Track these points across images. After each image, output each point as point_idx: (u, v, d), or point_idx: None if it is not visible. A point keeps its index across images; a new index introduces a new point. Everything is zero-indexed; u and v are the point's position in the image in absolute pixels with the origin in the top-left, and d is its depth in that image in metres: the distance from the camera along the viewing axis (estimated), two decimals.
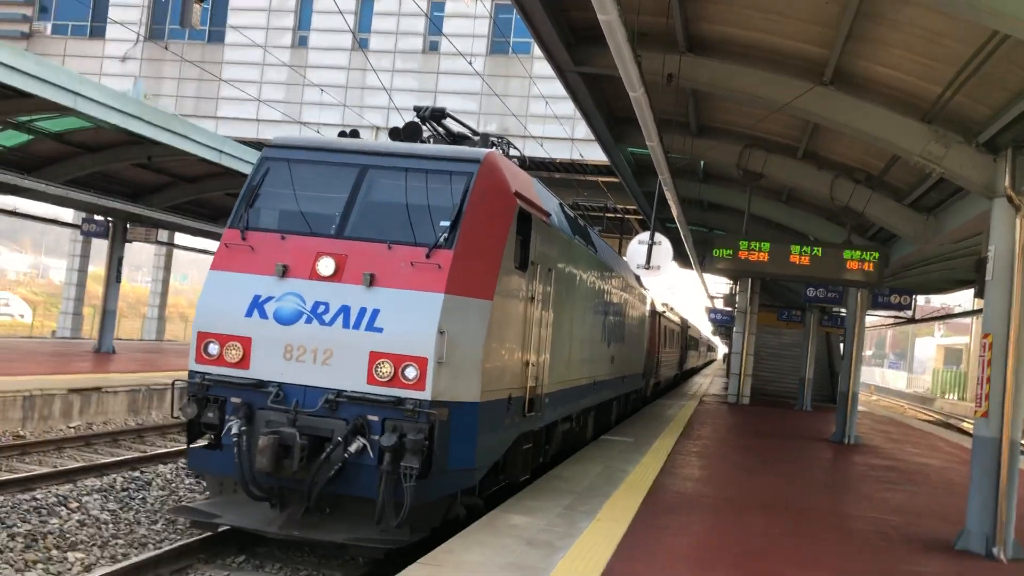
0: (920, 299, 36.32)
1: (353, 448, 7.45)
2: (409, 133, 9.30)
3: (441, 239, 7.91)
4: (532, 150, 30.77)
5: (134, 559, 7.81)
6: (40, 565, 7.80)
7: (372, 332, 7.63)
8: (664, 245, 13.72)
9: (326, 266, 7.89)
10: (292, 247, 8.11)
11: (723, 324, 41.93)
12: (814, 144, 12.73)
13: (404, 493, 7.27)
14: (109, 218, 24.07)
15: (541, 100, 31.30)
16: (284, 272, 7.97)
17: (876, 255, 12.96)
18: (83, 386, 15.79)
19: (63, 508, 9.70)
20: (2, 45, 13.45)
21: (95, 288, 47.13)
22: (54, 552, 8.19)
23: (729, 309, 38.44)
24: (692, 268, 25.40)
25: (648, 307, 21.97)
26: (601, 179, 31.69)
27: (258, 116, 35.66)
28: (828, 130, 11.56)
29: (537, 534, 7.89)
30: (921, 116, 9.50)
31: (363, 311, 7.69)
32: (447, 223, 8.01)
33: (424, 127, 9.66)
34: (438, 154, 8.61)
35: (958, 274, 22.33)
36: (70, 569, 7.85)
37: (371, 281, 7.77)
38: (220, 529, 8.27)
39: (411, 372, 7.52)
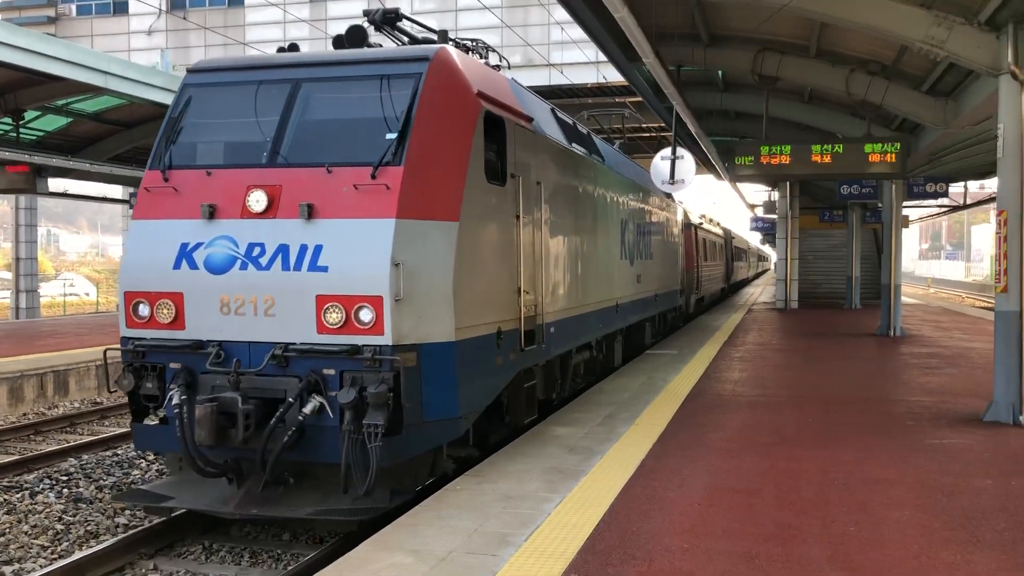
0: (973, 185, 35.68)
1: (308, 408, 6.57)
2: (353, 39, 8.03)
3: (388, 155, 6.81)
4: (558, 78, 30.72)
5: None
6: (127, 511, 8.57)
7: (316, 272, 6.66)
8: (687, 159, 13.88)
9: (258, 200, 6.88)
10: (220, 183, 7.13)
11: (768, 231, 41.80)
12: (825, 41, 12.73)
13: (369, 454, 6.37)
14: None
15: (563, 27, 31.10)
16: (212, 213, 7.00)
17: (897, 146, 13.01)
18: None
19: (143, 460, 10.51)
20: (28, 32, 14.01)
21: None
22: None
23: (773, 216, 38.33)
24: (724, 179, 25.39)
25: (680, 220, 21.36)
26: (629, 99, 31.54)
27: None
28: (836, 25, 11.59)
29: (578, 441, 8.41)
30: (920, 2, 9.53)
31: (304, 249, 6.72)
32: (394, 135, 6.91)
33: (383, 34, 8.62)
34: (380, 57, 7.49)
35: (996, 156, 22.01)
36: None
37: (309, 213, 6.76)
38: (175, 513, 7.44)
39: (366, 315, 6.54)
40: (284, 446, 6.57)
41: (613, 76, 29.92)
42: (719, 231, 34.20)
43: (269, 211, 6.88)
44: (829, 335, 19.79)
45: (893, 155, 13.01)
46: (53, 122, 19.77)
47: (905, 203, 22.42)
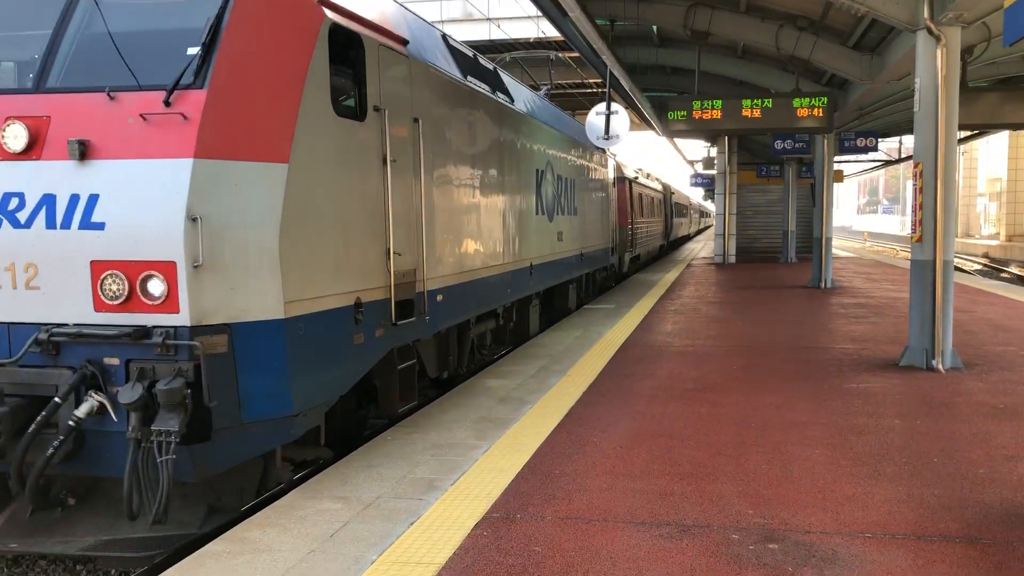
0: (909, 139, 36.50)
1: (83, 410, 5.09)
2: None
3: (187, 75, 5.20)
4: (498, 34, 30.57)
5: None
6: None
7: (90, 231, 5.12)
8: (621, 114, 14.02)
9: (16, 136, 5.25)
10: None
11: (709, 187, 42.37)
12: None
13: (159, 470, 4.98)
14: None
15: None
16: None
17: (824, 100, 13.31)
18: None
19: None
20: None
21: None
22: None
23: (712, 172, 38.84)
24: (661, 134, 25.63)
25: (613, 173, 20.61)
26: (570, 55, 31.54)
27: None
28: None
29: (510, 392, 8.60)
30: None
31: (75, 200, 5.15)
32: (196, 50, 5.30)
33: None
34: None
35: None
36: None
37: (82, 152, 5.15)
38: None
39: (155, 286, 5.08)
40: (51, 458, 5.11)
41: (552, 31, 29.89)
42: (658, 186, 34.43)
43: (32, 150, 5.26)
44: (763, 288, 20.26)
45: (820, 109, 13.30)
46: None
47: (837, 157, 22.90)
